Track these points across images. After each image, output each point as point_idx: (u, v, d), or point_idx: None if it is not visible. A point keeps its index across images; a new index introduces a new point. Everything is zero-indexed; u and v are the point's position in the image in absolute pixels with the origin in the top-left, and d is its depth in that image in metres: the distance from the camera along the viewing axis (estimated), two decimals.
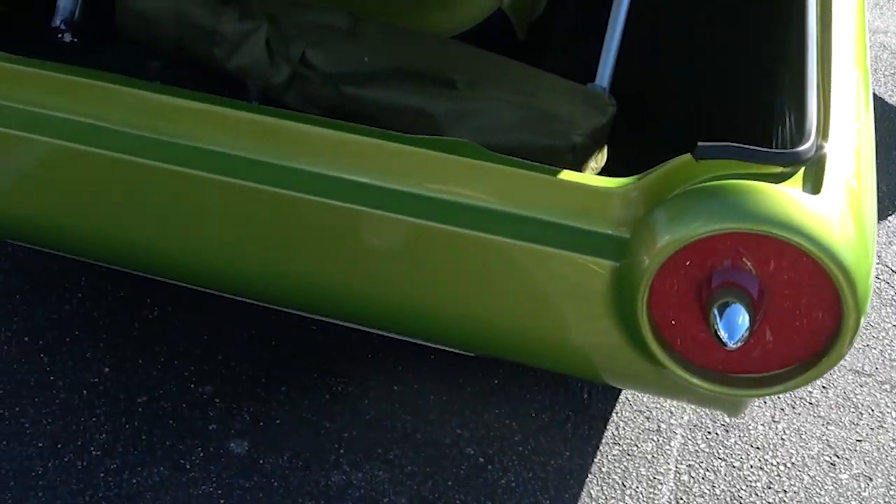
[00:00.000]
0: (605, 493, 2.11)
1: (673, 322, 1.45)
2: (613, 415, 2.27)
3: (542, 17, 2.47)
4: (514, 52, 2.08)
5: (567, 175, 1.51)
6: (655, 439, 2.23)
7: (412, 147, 1.55)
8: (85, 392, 2.21)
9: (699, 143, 1.41)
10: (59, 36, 2.21)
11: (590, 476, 2.14)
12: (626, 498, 2.11)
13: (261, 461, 2.10)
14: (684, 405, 2.31)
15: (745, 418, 2.29)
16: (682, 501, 2.11)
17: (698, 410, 2.31)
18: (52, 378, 2.23)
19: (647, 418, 2.27)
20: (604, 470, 2.15)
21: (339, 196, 1.54)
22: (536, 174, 1.50)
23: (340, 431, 2.16)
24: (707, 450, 2.22)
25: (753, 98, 2.02)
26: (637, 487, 2.13)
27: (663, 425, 2.26)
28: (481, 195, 1.51)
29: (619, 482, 2.14)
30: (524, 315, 1.57)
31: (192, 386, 2.24)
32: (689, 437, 2.24)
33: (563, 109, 1.88)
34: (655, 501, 2.11)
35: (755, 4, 2.17)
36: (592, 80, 1.99)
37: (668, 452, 2.20)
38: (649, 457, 2.19)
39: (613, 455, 2.18)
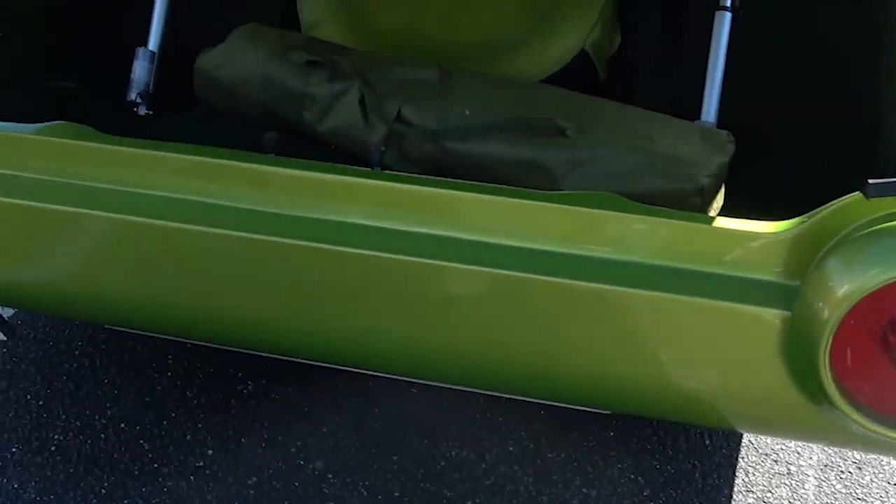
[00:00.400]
0: None
1: (855, 370, 1.36)
2: (740, 460, 2.18)
3: (617, 55, 2.41)
4: (599, 92, 2.01)
5: (727, 222, 1.42)
6: (788, 483, 2.13)
7: (555, 204, 1.47)
8: (192, 478, 2.12)
9: (870, 181, 1.33)
10: (135, 109, 2.17)
11: None
12: None
13: None
14: (811, 445, 2.21)
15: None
16: None
17: (826, 449, 2.21)
18: (156, 465, 2.15)
19: (776, 461, 2.18)
20: None
21: (489, 263, 1.45)
22: (695, 224, 1.42)
23: (463, 500, 2.07)
24: (844, 490, 2.12)
25: (863, 128, 1.95)
26: None
27: (793, 468, 2.16)
28: (638, 250, 1.43)
29: None
30: (684, 371, 1.48)
31: (302, 462, 2.15)
32: (823, 478, 2.14)
33: (684, 150, 1.80)
34: None
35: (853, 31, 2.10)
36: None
37: (805, 497, 2.10)
38: (786, 503, 2.09)
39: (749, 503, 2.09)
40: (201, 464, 2.15)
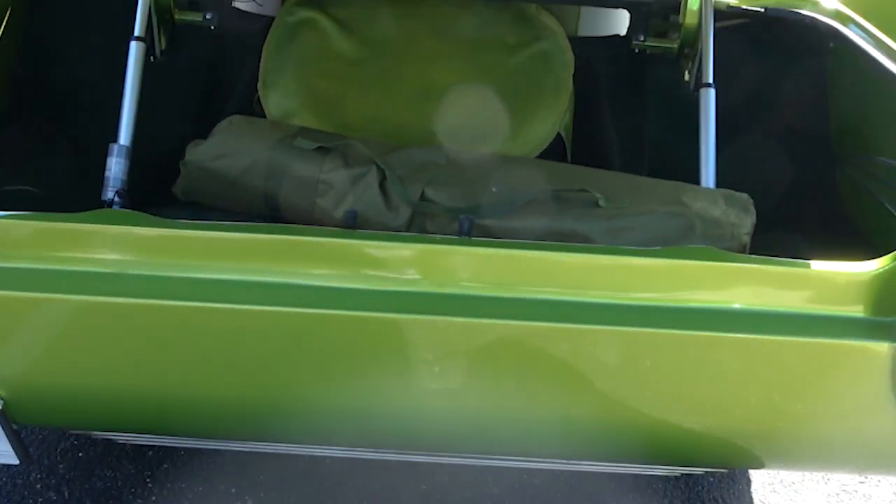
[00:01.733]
0: None
1: None
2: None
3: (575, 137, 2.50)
4: None
5: (823, 265, 1.49)
6: None
7: (653, 259, 1.50)
8: None
9: None
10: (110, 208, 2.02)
11: None
12: None
13: None
14: None
15: None
16: None
17: None
18: None
19: None
20: None
21: (596, 320, 1.45)
22: (792, 268, 1.48)
23: None
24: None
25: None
26: None
27: None
28: (747, 297, 1.47)
29: None
30: (805, 414, 1.51)
31: None
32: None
33: (716, 213, 1.88)
34: None
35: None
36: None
37: None
38: None
39: None
40: None
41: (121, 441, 2.08)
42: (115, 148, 2.04)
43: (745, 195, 1.95)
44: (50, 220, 1.48)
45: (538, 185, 1.92)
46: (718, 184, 2.08)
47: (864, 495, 2.31)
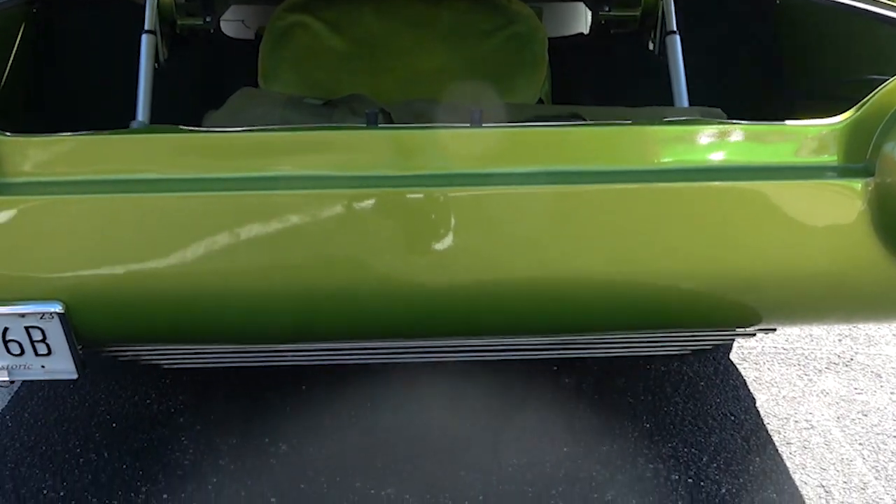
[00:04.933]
0: None
1: None
2: (766, 425, 2.34)
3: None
4: None
5: (799, 123, 1.67)
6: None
7: (655, 127, 1.67)
8: None
9: None
10: None
11: None
12: None
13: None
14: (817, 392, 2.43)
15: None
16: None
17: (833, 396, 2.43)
18: None
19: (796, 422, 2.36)
20: None
21: (604, 181, 1.61)
22: (776, 128, 1.66)
23: (547, 491, 2.08)
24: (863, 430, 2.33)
25: None
26: None
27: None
28: (739, 154, 1.63)
29: None
30: (794, 254, 1.66)
31: (373, 492, 2.09)
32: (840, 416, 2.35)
33: None
34: None
35: None
36: None
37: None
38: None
39: None
40: None
41: (166, 365, 2.16)
42: (135, 126, 2.21)
43: (718, 109, 2.16)
44: (105, 135, 1.62)
45: (530, 114, 2.11)
46: None
47: (863, 402, 2.45)
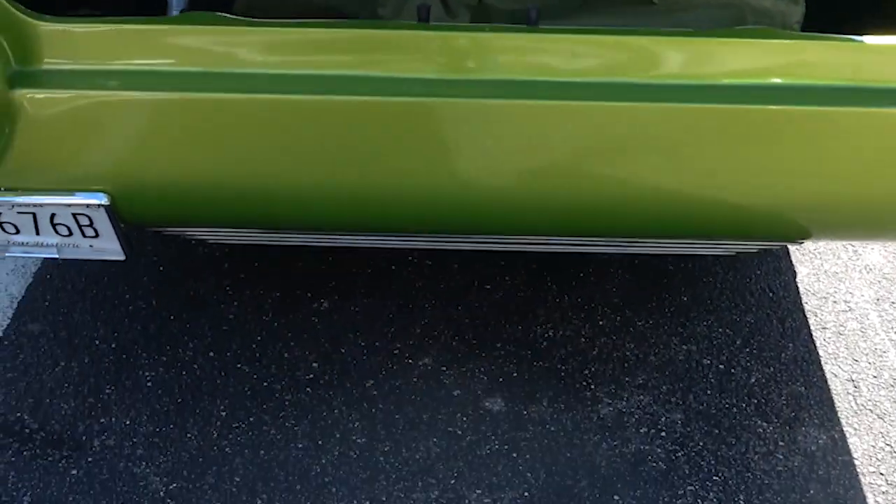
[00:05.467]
0: None
1: None
2: (804, 305, 2.35)
3: None
4: None
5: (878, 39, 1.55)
6: (855, 317, 2.33)
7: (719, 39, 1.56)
8: (309, 389, 2.09)
9: None
10: None
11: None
12: None
13: (524, 412, 2.07)
14: (861, 286, 2.42)
15: None
16: None
17: (875, 284, 2.42)
18: (265, 384, 2.10)
19: (835, 302, 2.37)
20: None
21: (671, 98, 1.53)
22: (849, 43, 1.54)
23: (579, 371, 2.15)
24: None
25: None
26: None
27: (852, 304, 2.36)
28: (806, 72, 1.53)
29: None
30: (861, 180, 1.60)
31: (410, 362, 2.16)
32: (881, 309, 2.35)
33: (767, 3, 1.92)
34: None
35: None
36: None
37: (873, 325, 2.30)
38: (858, 333, 2.29)
39: None
40: (311, 376, 2.12)
41: (210, 240, 2.20)
42: (174, 10, 2.07)
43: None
44: (147, 23, 1.55)
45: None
46: None
47: None
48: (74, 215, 1.67)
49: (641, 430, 2.02)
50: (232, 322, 2.27)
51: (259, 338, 2.23)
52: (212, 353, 2.19)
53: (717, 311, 2.32)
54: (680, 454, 1.99)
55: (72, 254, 1.78)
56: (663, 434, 2.01)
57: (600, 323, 2.28)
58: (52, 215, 1.68)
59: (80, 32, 1.53)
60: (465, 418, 2.04)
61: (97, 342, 2.21)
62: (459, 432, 2.02)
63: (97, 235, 1.73)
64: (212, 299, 2.34)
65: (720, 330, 2.27)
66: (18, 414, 2.05)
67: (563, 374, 2.14)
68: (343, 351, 2.19)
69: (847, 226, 1.73)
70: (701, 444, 2.01)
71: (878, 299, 2.38)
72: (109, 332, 2.24)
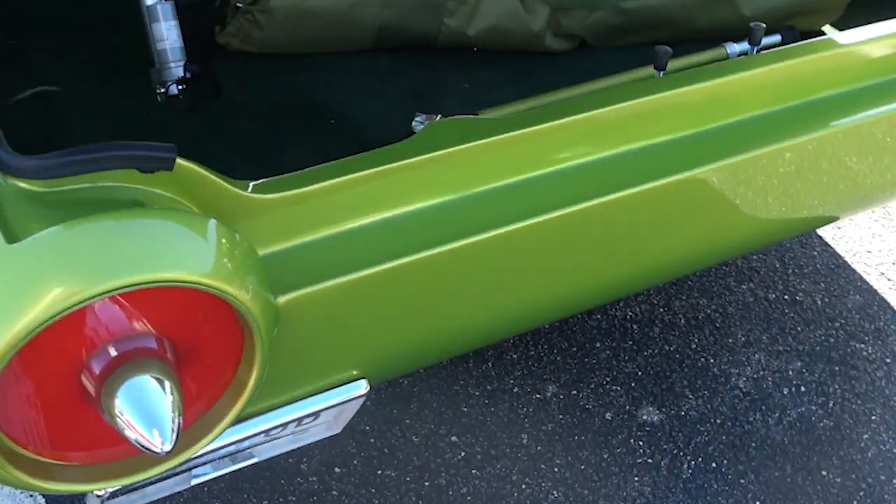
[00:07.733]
0: None
1: None
2: None
3: None
4: None
5: None
6: None
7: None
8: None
9: None
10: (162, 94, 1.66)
11: None
12: None
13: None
14: None
15: None
16: None
17: None
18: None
19: None
20: None
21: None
22: None
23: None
24: None
25: None
26: None
27: None
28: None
29: None
30: None
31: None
32: None
33: None
34: None
35: None
36: None
37: None
38: None
39: None
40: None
41: None
42: (158, 9, 1.56)
43: None
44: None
45: None
46: None
47: None
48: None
49: (785, 392, 2.14)
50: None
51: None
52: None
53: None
54: (831, 405, 2.09)
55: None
56: (803, 389, 2.15)
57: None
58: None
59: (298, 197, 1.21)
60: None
61: None
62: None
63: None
64: None
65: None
66: None
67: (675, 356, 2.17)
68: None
69: None
70: (835, 386, 2.12)
71: None
72: None
